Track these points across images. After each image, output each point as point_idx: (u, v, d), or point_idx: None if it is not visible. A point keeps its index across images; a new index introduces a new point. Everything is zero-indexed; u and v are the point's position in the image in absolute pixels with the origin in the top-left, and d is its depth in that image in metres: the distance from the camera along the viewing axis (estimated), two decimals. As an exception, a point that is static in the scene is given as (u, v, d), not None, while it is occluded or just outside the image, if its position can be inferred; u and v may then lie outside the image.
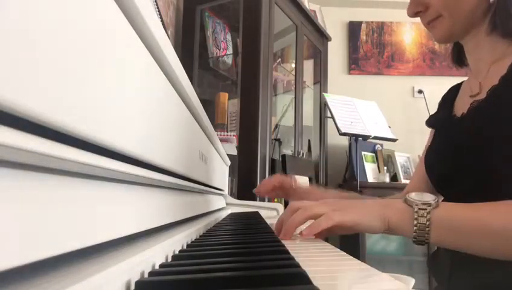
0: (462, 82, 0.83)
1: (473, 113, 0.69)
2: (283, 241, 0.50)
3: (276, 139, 2.19)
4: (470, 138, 0.66)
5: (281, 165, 1.94)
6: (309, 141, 2.60)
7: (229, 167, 1.36)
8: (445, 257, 0.72)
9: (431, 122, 0.86)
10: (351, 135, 2.35)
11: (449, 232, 0.54)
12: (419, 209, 0.54)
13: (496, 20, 0.65)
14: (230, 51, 2.19)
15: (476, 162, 0.64)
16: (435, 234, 0.54)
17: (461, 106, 0.75)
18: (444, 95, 0.86)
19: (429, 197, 0.56)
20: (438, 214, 0.54)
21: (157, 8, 1.08)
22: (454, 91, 0.83)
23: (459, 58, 0.80)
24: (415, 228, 0.54)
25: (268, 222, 0.86)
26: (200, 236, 0.60)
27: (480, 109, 0.67)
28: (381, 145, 2.81)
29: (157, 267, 0.34)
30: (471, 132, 0.66)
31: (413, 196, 0.57)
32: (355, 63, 3.12)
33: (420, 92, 3.00)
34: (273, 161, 1.87)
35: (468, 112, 0.70)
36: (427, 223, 0.53)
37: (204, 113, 0.70)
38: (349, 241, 2.41)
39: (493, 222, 0.51)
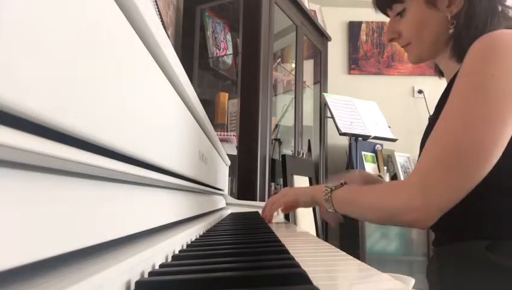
0: None
1: (426, 127, 0.80)
2: (283, 242, 0.50)
3: (276, 139, 2.19)
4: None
5: (281, 165, 1.94)
6: (309, 141, 2.60)
7: (229, 167, 1.36)
8: (433, 260, 0.75)
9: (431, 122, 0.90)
10: (351, 135, 2.35)
11: (339, 204, 0.80)
12: (325, 189, 0.83)
13: (453, 49, 0.75)
14: (230, 51, 2.19)
15: None
16: (335, 205, 0.81)
17: None
18: (441, 96, 0.89)
19: (334, 184, 0.83)
20: (335, 192, 0.82)
21: (157, 8, 1.08)
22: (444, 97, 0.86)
23: (440, 71, 0.88)
24: (325, 201, 0.82)
25: (267, 214, 0.86)
26: (200, 236, 0.60)
27: (427, 126, 0.79)
28: (381, 145, 2.81)
29: (157, 267, 0.34)
30: (420, 147, 0.78)
31: (330, 183, 0.85)
32: (355, 63, 3.12)
33: (420, 92, 3.00)
34: (273, 161, 1.87)
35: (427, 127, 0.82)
36: (329, 198, 0.82)
37: (205, 113, 0.70)
38: (349, 242, 2.41)
39: (362, 197, 0.74)
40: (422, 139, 0.86)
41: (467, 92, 0.63)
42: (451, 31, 0.74)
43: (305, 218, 2.09)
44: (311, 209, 2.23)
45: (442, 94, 0.75)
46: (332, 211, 0.82)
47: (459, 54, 0.72)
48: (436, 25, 0.75)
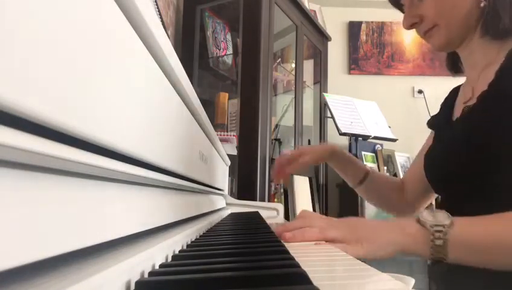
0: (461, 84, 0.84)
1: (464, 119, 0.71)
2: (283, 241, 0.50)
3: (276, 139, 2.19)
4: (460, 145, 0.68)
5: (281, 165, 1.94)
6: (309, 141, 2.60)
7: (229, 167, 1.36)
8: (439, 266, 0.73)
9: (431, 123, 0.87)
10: (351, 135, 2.35)
11: (466, 250, 0.54)
12: (435, 231, 0.54)
13: (487, 23, 0.67)
14: (230, 51, 2.19)
15: (467, 168, 0.67)
16: (452, 253, 0.54)
17: (457, 111, 0.77)
18: (446, 97, 0.88)
19: (442, 217, 0.55)
20: (453, 234, 0.54)
21: (157, 8, 1.08)
22: (454, 93, 0.84)
23: (454, 66, 0.83)
24: (431, 250, 0.54)
25: (268, 222, 0.86)
26: (200, 236, 0.60)
27: (470, 115, 0.69)
28: (381, 145, 2.81)
29: (157, 267, 0.34)
30: (461, 138, 0.68)
31: (426, 215, 0.56)
32: (355, 63, 3.12)
33: (420, 92, 3.00)
34: (273, 161, 1.87)
35: (460, 118, 0.73)
36: (444, 244, 0.53)
37: (205, 113, 0.70)
38: (349, 241, 2.41)
39: (508, 238, 0.52)
40: (433, 123, 0.79)
41: None
42: (482, 4, 0.67)
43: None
44: (310, 206, 2.23)
45: (496, 81, 0.65)
46: (440, 261, 0.54)
47: (495, 29, 0.66)
48: (466, 0, 0.68)
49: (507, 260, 0.53)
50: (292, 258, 0.35)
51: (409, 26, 0.75)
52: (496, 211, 0.54)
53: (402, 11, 0.80)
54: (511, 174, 0.60)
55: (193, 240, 0.55)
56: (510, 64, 0.64)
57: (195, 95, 0.60)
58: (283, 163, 0.97)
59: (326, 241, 0.55)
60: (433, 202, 1.05)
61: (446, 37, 0.72)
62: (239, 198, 1.54)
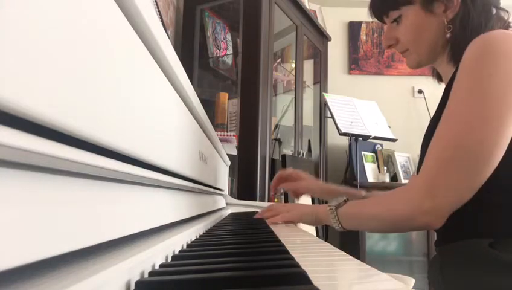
0: None
1: (426, 131, 0.81)
2: (283, 242, 0.50)
3: (276, 139, 2.19)
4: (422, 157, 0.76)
5: (281, 165, 1.94)
6: (309, 141, 2.60)
7: (229, 167, 1.36)
8: (436, 259, 0.75)
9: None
10: (351, 135, 2.35)
11: (347, 220, 0.79)
12: (330, 209, 0.80)
13: (451, 52, 0.76)
14: (230, 51, 2.19)
15: None
16: (342, 222, 0.79)
17: None
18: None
19: (340, 201, 0.81)
20: (340, 211, 0.79)
21: (157, 8, 1.08)
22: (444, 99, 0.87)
23: (439, 75, 0.89)
24: (331, 220, 0.80)
25: (268, 221, 0.86)
26: (200, 236, 0.60)
27: (428, 128, 0.79)
28: (381, 145, 2.80)
29: (157, 267, 0.34)
30: (421, 149, 0.79)
31: (332, 201, 0.82)
32: (355, 63, 3.12)
33: (420, 92, 3.00)
34: (273, 161, 1.87)
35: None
36: (335, 217, 0.79)
37: (205, 113, 0.70)
38: (349, 241, 2.41)
39: (368, 209, 0.75)
40: (423, 142, 0.86)
41: (466, 92, 0.64)
42: (448, 35, 0.75)
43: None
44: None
45: (442, 97, 0.76)
46: (340, 229, 0.80)
47: (456, 58, 0.73)
48: (433, 30, 0.76)
49: (370, 227, 0.81)
50: (292, 258, 0.35)
51: (387, 46, 0.85)
52: (466, 210, 0.64)
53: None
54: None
55: (193, 240, 0.55)
56: (453, 76, 0.70)
57: (196, 95, 0.60)
58: (282, 177, 1.12)
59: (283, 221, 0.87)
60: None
61: (415, 60, 0.81)
62: (239, 198, 1.54)
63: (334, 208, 0.80)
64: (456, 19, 0.73)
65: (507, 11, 0.76)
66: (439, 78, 0.89)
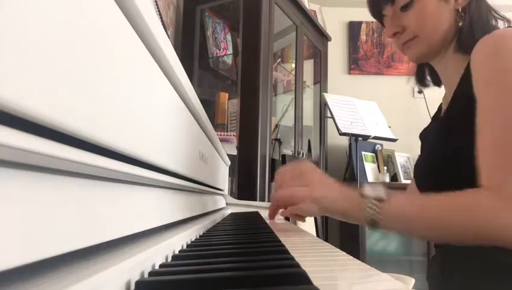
0: None
1: (436, 132, 0.76)
2: (283, 241, 0.50)
3: (276, 139, 2.19)
4: (433, 157, 0.74)
5: (281, 165, 1.94)
6: (309, 141, 2.60)
7: (229, 167, 1.36)
8: (436, 261, 0.75)
9: (420, 135, 0.93)
10: (351, 135, 2.35)
11: (394, 222, 0.64)
12: (370, 204, 0.63)
13: (461, 40, 0.74)
14: (230, 51, 2.19)
15: (440, 181, 0.71)
16: (386, 223, 0.63)
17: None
18: (437, 110, 0.90)
19: (380, 192, 0.64)
20: (387, 208, 0.63)
21: (157, 8, 1.08)
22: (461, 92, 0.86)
23: (422, 80, 0.89)
24: (365, 217, 0.64)
25: (268, 221, 0.86)
26: (200, 236, 0.60)
27: (440, 128, 0.75)
28: (381, 145, 2.81)
29: (157, 267, 0.34)
30: (432, 151, 0.75)
31: (367, 189, 0.65)
32: (355, 63, 3.12)
33: (420, 92, 3.00)
34: (273, 161, 1.87)
35: (434, 131, 0.78)
36: (374, 213, 0.63)
37: (205, 113, 0.70)
38: (349, 241, 2.41)
39: (429, 213, 0.61)
40: (422, 136, 0.85)
41: (495, 95, 0.61)
42: (460, 23, 0.73)
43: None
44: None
45: (456, 91, 0.71)
46: (374, 229, 0.64)
47: (467, 46, 0.71)
48: (446, 18, 0.74)
49: (424, 232, 0.65)
50: (292, 258, 0.35)
51: (391, 35, 0.80)
52: None
53: (381, 23, 0.84)
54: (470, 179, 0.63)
55: (193, 240, 0.55)
56: (467, 72, 0.68)
57: (196, 95, 0.60)
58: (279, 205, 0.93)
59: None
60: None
61: (424, 49, 0.77)
62: (239, 198, 1.54)
63: (376, 203, 0.64)
64: (470, 6, 0.73)
65: (509, 20, 0.77)
66: (422, 83, 0.88)
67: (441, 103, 0.88)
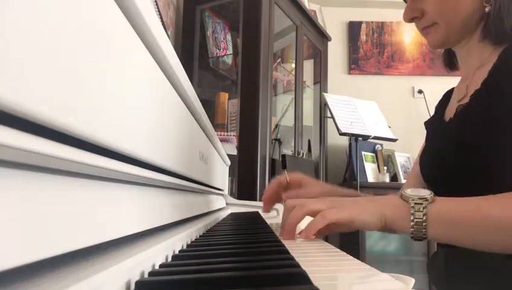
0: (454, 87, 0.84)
1: (457, 118, 0.71)
2: (283, 241, 0.50)
3: (276, 139, 2.19)
4: (454, 145, 0.68)
5: (281, 165, 1.94)
6: (309, 141, 2.60)
7: (229, 167, 1.36)
8: (440, 260, 0.73)
9: (427, 123, 0.88)
10: (351, 135, 2.35)
11: (447, 226, 0.54)
12: (416, 204, 0.54)
13: (489, 28, 0.67)
14: (230, 51, 2.19)
15: (460, 168, 0.67)
16: (433, 229, 0.53)
17: (450, 111, 0.77)
18: (440, 99, 0.88)
19: (425, 192, 0.55)
20: (434, 209, 0.54)
21: (157, 8, 1.08)
22: (448, 96, 0.84)
23: (450, 61, 0.83)
24: (412, 223, 0.53)
25: (268, 222, 0.86)
26: (200, 236, 0.60)
27: (463, 114, 0.69)
28: (381, 145, 2.81)
29: (157, 267, 0.34)
30: (454, 138, 0.69)
31: (409, 191, 0.56)
32: (355, 63, 3.12)
33: (420, 92, 3.00)
34: (273, 161, 1.87)
35: (454, 117, 0.72)
36: (424, 217, 0.53)
37: (204, 113, 0.70)
38: (349, 241, 2.41)
39: (491, 211, 0.51)
40: (429, 124, 0.80)
41: None
42: (487, 9, 0.67)
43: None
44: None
45: (486, 81, 0.66)
46: (420, 237, 0.53)
47: (497, 34, 0.67)
48: (468, 3, 0.68)
49: (488, 237, 0.52)
50: (292, 258, 0.35)
51: (409, 19, 0.74)
52: None
53: (405, 1, 0.78)
54: (503, 170, 0.60)
55: (193, 240, 0.55)
56: (503, 62, 0.64)
57: (195, 95, 0.60)
58: (280, 186, 0.86)
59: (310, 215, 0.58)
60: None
61: (443, 36, 0.72)
62: (239, 198, 1.54)
63: (423, 203, 0.53)
64: None
65: None
66: (451, 65, 0.82)
67: (449, 91, 0.84)
